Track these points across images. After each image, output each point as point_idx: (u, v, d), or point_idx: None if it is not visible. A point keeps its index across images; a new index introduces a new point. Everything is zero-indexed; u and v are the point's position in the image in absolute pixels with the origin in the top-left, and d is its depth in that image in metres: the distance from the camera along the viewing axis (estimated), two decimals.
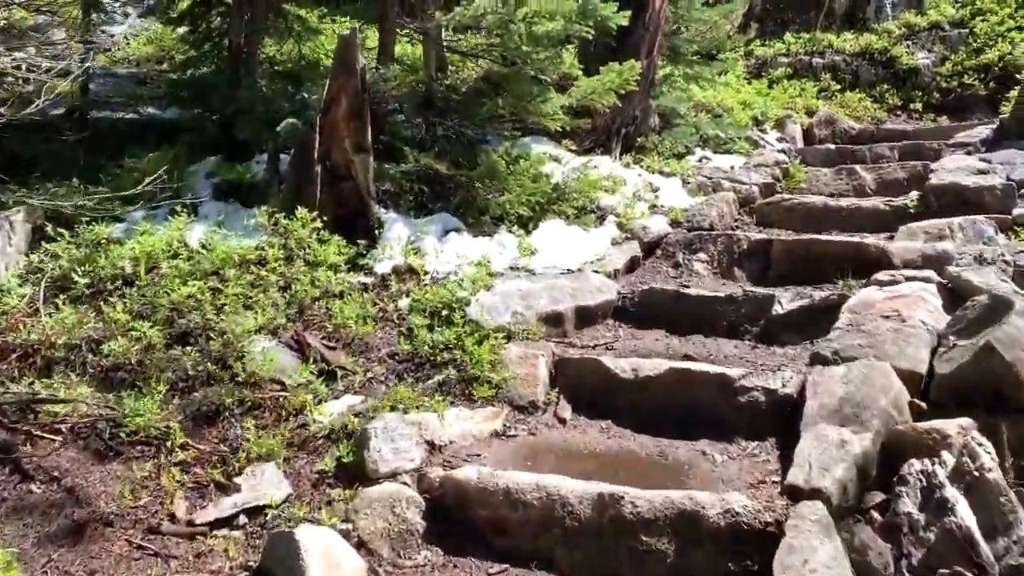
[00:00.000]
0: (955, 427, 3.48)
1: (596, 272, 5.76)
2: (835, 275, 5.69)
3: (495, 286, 5.22)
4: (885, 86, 11.56)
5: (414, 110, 7.25)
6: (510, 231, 6.14)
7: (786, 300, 5.08)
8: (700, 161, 8.62)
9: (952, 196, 6.24)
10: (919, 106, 11.36)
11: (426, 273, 5.47)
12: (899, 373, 3.98)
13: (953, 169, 6.68)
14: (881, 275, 5.01)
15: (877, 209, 6.82)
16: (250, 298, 4.75)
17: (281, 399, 4.07)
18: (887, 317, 4.42)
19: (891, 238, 5.95)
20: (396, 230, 5.82)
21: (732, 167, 8.41)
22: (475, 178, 6.36)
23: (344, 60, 5.59)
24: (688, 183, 7.91)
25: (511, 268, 5.74)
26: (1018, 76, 11.02)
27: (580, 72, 7.30)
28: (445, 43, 7.68)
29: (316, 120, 5.57)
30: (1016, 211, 5.93)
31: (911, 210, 6.57)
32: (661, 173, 8.02)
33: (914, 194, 7.26)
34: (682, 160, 8.43)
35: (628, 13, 7.30)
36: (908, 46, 11.81)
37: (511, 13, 6.18)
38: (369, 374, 4.41)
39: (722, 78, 10.20)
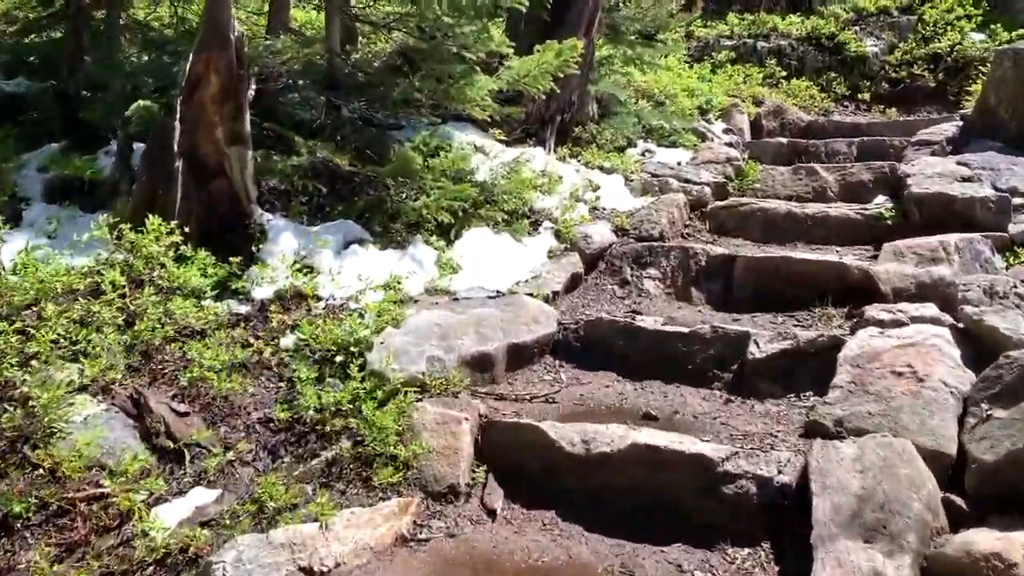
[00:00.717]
0: (1020, 548, 2.59)
1: (531, 295, 4.74)
2: (811, 301, 4.84)
3: (407, 320, 4.13)
4: (832, 74, 10.83)
5: (314, 90, 6.06)
6: (427, 242, 5.05)
7: (763, 340, 4.15)
8: (643, 155, 7.66)
9: (938, 207, 5.42)
10: (867, 96, 10.68)
11: (319, 299, 4.35)
12: (922, 453, 3.09)
13: (933, 175, 5.88)
14: (879, 311, 4.13)
15: (848, 218, 5.98)
16: (76, 343, 3.55)
17: (99, 501, 2.91)
18: (899, 374, 3.53)
19: (874, 257, 5.10)
20: (283, 242, 4.65)
21: (679, 163, 7.49)
22: (385, 175, 5.23)
23: (214, 26, 4.37)
24: (631, 181, 6.95)
25: (428, 291, 4.67)
26: (980, 69, 10.43)
27: (511, 50, 6.21)
28: (353, 10, 6.49)
29: (177, 103, 4.35)
30: (1013, 228, 5.15)
31: (887, 220, 5.75)
32: (601, 169, 7.03)
33: (882, 199, 6.49)
34: (624, 154, 7.46)
35: None
36: (856, 32, 11.11)
37: None
38: (231, 453, 3.28)
39: (663, 61, 9.26)
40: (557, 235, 5.63)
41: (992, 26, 10.96)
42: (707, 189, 6.77)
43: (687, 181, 6.92)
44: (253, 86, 4.99)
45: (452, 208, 5.16)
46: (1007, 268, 4.92)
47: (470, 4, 5.22)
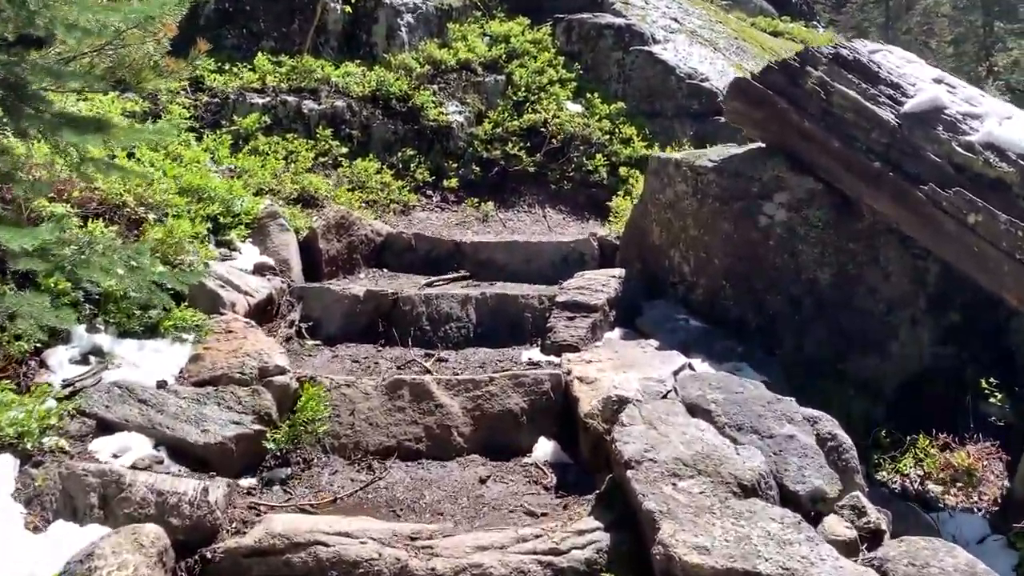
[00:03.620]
0: None
1: None
2: None
3: None
4: (409, 150, 7.76)
5: None
6: None
7: None
8: (83, 362, 3.66)
9: None
10: (455, 183, 7.82)
11: None
12: None
13: (672, 469, 2.88)
14: None
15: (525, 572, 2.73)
16: None
17: None
18: None
19: None
20: None
21: (162, 383, 3.64)
22: None
23: None
24: (38, 466, 2.97)
25: None
26: (580, 148, 8.18)
27: None
28: None
29: None
30: None
31: None
32: None
33: (548, 447, 3.61)
34: (32, 376, 3.40)
35: None
36: (435, 93, 8.19)
37: None
38: None
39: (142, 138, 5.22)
40: None
41: (588, 95, 8.91)
42: (219, 489, 3.02)
43: (176, 449, 3.13)
44: None
45: None
46: None
47: None
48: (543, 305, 4.91)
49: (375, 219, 6.65)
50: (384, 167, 7.44)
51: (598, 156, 8.26)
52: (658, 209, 5.11)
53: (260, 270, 5.10)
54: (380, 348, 4.77)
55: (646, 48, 9.25)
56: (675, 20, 10.42)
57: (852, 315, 4.62)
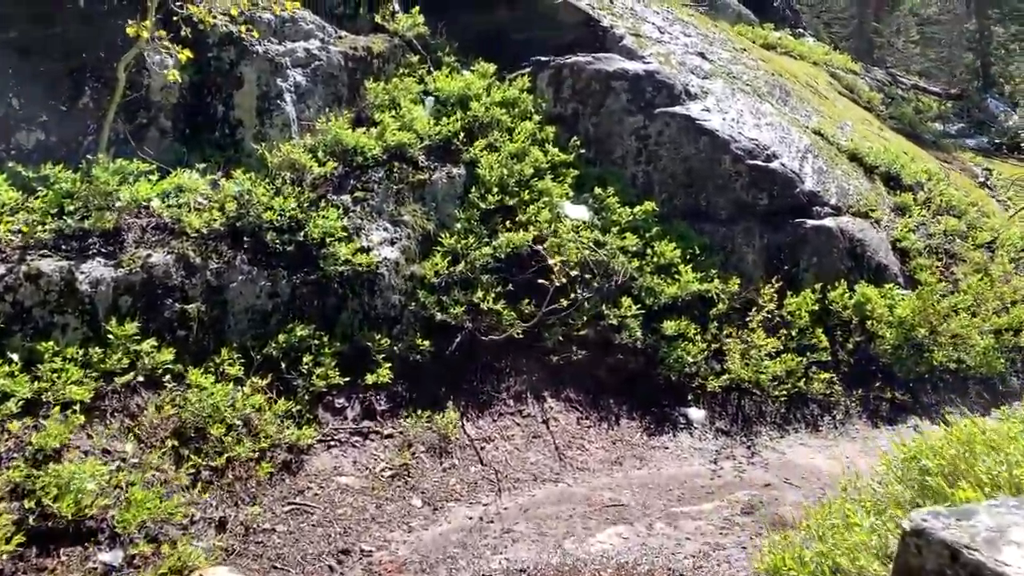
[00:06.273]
0: None
1: None
2: None
3: None
4: (300, 329, 4.27)
5: None
6: None
7: None
8: None
9: None
10: (386, 376, 4.38)
11: None
12: None
13: None
14: None
15: None
16: None
17: None
18: None
19: None
20: None
21: None
22: None
23: None
24: None
25: None
26: (592, 283, 4.85)
27: None
28: None
29: None
30: None
31: None
32: None
33: None
34: None
35: None
36: (347, 210, 4.69)
37: None
38: None
39: None
40: None
41: (596, 189, 5.55)
42: None
43: None
44: None
45: None
46: None
47: None
48: None
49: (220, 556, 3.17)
50: (251, 373, 3.94)
51: (624, 299, 4.94)
52: None
53: None
54: None
55: (681, 110, 5.92)
56: (702, 55, 7.11)
57: None
